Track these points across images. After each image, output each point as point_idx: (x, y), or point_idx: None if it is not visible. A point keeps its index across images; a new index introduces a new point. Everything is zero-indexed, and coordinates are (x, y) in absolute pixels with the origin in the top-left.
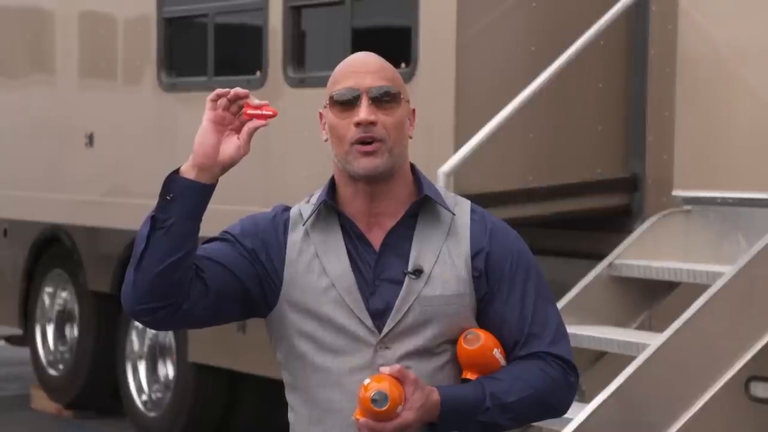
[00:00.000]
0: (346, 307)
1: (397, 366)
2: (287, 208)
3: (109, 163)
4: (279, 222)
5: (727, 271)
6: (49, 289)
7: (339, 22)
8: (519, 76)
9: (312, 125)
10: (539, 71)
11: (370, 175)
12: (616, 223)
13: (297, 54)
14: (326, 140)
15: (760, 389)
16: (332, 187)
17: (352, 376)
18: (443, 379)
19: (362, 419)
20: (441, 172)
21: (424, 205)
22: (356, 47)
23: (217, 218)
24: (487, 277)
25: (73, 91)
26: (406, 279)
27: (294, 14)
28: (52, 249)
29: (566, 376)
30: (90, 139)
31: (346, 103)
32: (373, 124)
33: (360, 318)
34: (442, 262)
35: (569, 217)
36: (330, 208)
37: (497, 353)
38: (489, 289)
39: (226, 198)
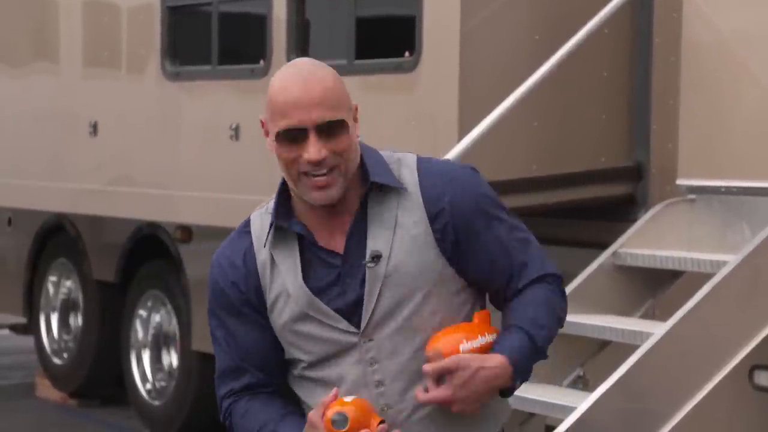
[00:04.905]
0: (315, 320)
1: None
2: (247, 231)
3: (113, 152)
4: (246, 252)
5: (732, 260)
6: (53, 278)
7: (343, 10)
8: (523, 65)
9: None
10: (543, 60)
11: (326, 204)
12: (620, 212)
13: (301, 43)
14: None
15: (764, 378)
16: (284, 197)
17: (349, 375)
18: None
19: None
20: None
21: (371, 189)
22: (360, 36)
23: (222, 207)
24: (455, 233)
25: (77, 79)
26: (366, 269)
27: (298, 3)
28: (56, 238)
29: (560, 286)
30: (94, 128)
31: (293, 139)
32: (323, 160)
33: (331, 325)
34: (400, 237)
35: (573, 206)
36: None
37: (467, 344)
38: (464, 239)
39: (230, 187)
